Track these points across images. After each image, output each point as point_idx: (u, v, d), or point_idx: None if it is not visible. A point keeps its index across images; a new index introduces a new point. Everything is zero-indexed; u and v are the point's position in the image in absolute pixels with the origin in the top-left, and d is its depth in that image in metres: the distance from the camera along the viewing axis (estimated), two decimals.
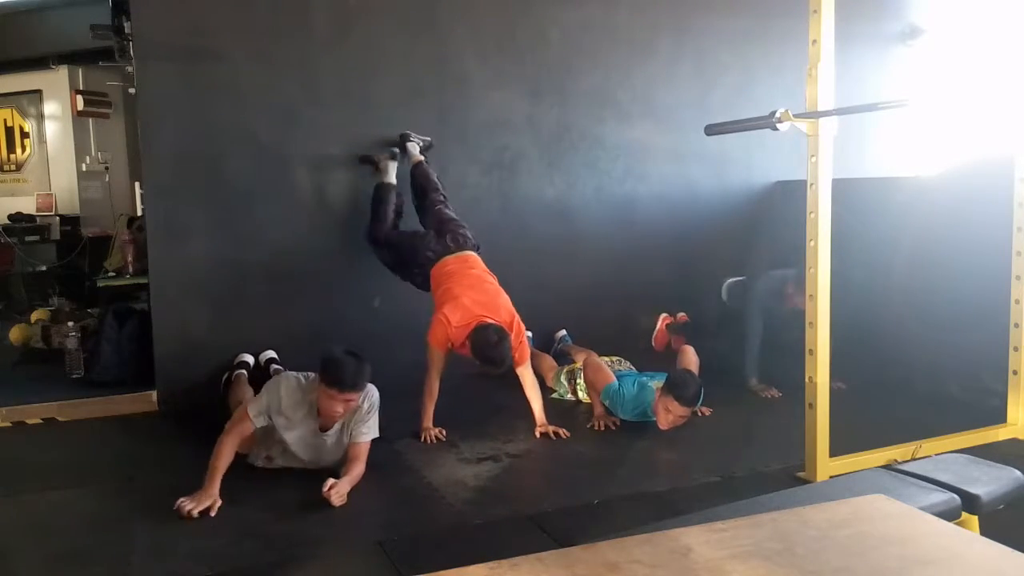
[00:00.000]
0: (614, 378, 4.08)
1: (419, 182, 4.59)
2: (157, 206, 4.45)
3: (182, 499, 2.99)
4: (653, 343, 5.34)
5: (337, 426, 3.28)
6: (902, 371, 4.43)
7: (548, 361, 4.77)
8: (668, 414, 3.83)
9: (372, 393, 3.33)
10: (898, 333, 4.53)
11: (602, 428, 4.00)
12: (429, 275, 4.14)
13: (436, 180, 4.59)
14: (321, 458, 3.31)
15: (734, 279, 5.09)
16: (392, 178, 4.62)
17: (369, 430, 3.31)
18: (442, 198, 4.50)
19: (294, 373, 3.34)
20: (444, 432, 3.88)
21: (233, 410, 3.56)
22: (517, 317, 3.92)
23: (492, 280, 4.06)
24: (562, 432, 3.89)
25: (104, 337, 4.69)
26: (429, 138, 4.78)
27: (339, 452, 3.33)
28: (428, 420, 3.88)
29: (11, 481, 3.48)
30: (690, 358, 4.33)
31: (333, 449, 3.32)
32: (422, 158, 4.70)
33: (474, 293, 3.88)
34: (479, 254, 4.23)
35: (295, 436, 3.26)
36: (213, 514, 2.97)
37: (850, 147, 4.31)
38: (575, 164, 5.29)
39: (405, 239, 4.43)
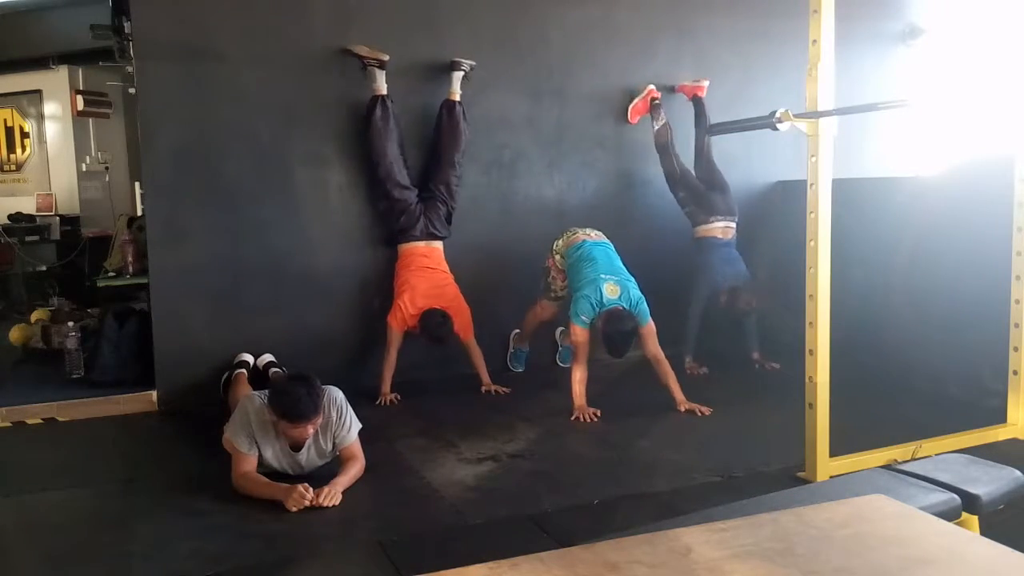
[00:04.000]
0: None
1: (444, 133, 4.76)
2: (157, 206, 4.45)
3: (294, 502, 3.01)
4: None
5: (309, 440, 3.24)
6: (902, 371, 4.43)
7: (533, 316, 4.90)
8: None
9: (335, 398, 3.30)
10: (898, 333, 4.53)
11: (585, 420, 4.06)
12: (398, 246, 4.74)
13: (463, 142, 4.78)
14: (303, 469, 3.30)
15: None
16: (383, 87, 4.62)
17: (350, 430, 3.29)
18: (455, 177, 4.82)
19: (258, 394, 3.31)
20: (399, 397, 4.45)
21: (232, 408, 3.56)
22: (462, 301, 4.63)
23: (444, 272, 4.73)
24: (503, 389, 4.61)
25: (104, 337, 4.69)
26: (474, 62, 4.86)
27: (321, 460, 3.32)
28: (386, 386, 4.50)
29: (11, 481, 3.48)
30: (663, 368, 4.29)
31: (312, 460, 3.30)
32: (459, 97, 4.79)
33: (427, 285, 4.59)
34: (444, 243, 4.79)
35: (270, 454, 3.24)
36: (307, 503, 3.00)
37: (850, 147, 4.31)
38: (575, 164, 5.30)
39: (397, 189, 4.67)
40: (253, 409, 3.22)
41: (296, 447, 3.24)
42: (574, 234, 4.56)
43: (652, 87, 5.31)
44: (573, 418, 4.10)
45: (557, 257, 4.63)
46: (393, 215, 4.69)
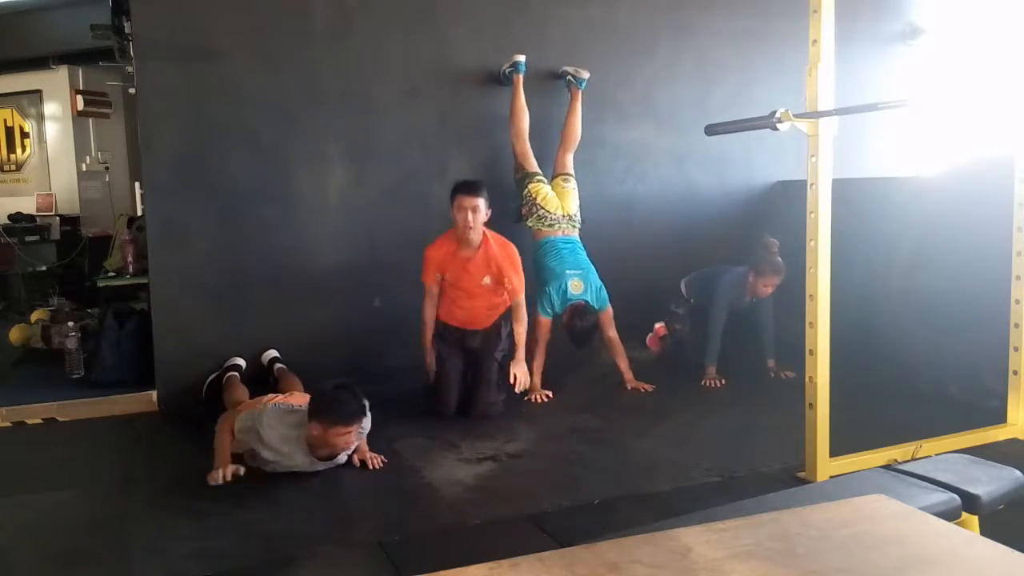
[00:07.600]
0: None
1: None
2: (157, 206, 4.45)
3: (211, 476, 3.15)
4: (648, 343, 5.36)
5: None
6: (902, 371, 4.43)
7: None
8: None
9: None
10: (898, 333, 4.53)
11: (538, 400, 4.38)
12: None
13: None
14: (319, 466, 3.34)
15: (691, 275, 5.18)
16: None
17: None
18: None
19: (273, 406, 3.33)
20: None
21: (230, 407, 3.58)
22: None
23: None
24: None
25: (104, 337, 4.69)
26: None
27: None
28: (431, 356, 4.30)
29: (11, 481, 3.48)
30: (615, 347, 4.68)
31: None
32: None
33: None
34: None
35: (290, 464, 3.28)
36: (242, 472, 3.18)
37: (850, 147, 4.31)
38: (575, 164, 5.27)
39: None
40: (272, 421, 3.24)
41: (333, 456, 3.28)
42: (549, 225, 4.75)
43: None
44: (526, 398, 4.37)
45: (532, 223, 4.78)
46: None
